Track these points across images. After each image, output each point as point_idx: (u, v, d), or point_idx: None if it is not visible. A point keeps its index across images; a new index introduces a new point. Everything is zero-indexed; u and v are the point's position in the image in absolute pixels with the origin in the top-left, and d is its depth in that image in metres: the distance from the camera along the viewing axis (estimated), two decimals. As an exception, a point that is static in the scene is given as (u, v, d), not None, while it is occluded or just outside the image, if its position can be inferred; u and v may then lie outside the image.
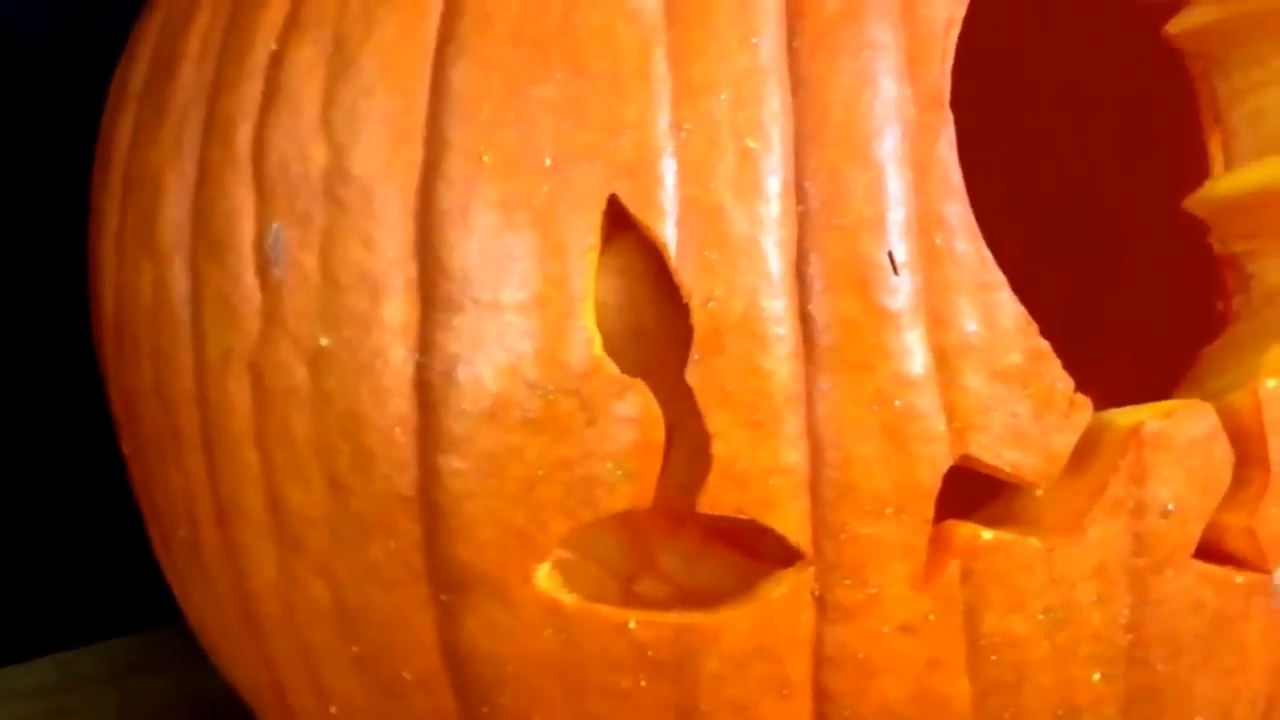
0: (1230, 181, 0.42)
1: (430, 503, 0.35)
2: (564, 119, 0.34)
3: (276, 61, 0.37)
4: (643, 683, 0.36)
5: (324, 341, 0.36)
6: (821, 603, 0.35)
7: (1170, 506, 0.36)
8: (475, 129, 0.35)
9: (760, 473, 0.34)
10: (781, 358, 0.34)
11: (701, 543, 0.38)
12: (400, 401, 0.35)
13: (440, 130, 0.35)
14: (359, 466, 0.36)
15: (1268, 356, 0.39)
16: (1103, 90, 0.56)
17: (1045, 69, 0.57)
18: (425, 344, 0.35)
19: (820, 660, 0.35)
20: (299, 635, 0.39)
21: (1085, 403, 0.35)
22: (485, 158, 0.34)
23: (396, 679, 0.38)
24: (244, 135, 0.37)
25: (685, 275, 0.34)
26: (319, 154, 0.36)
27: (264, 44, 0.38)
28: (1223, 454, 0.37)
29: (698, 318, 0.34)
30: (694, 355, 0.34)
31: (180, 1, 0.41)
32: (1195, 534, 0.37)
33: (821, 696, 0.36)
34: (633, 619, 0.35)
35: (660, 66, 0.34)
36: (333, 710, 0.40)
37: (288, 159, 0.36)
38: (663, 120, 0.34)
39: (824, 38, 0.35)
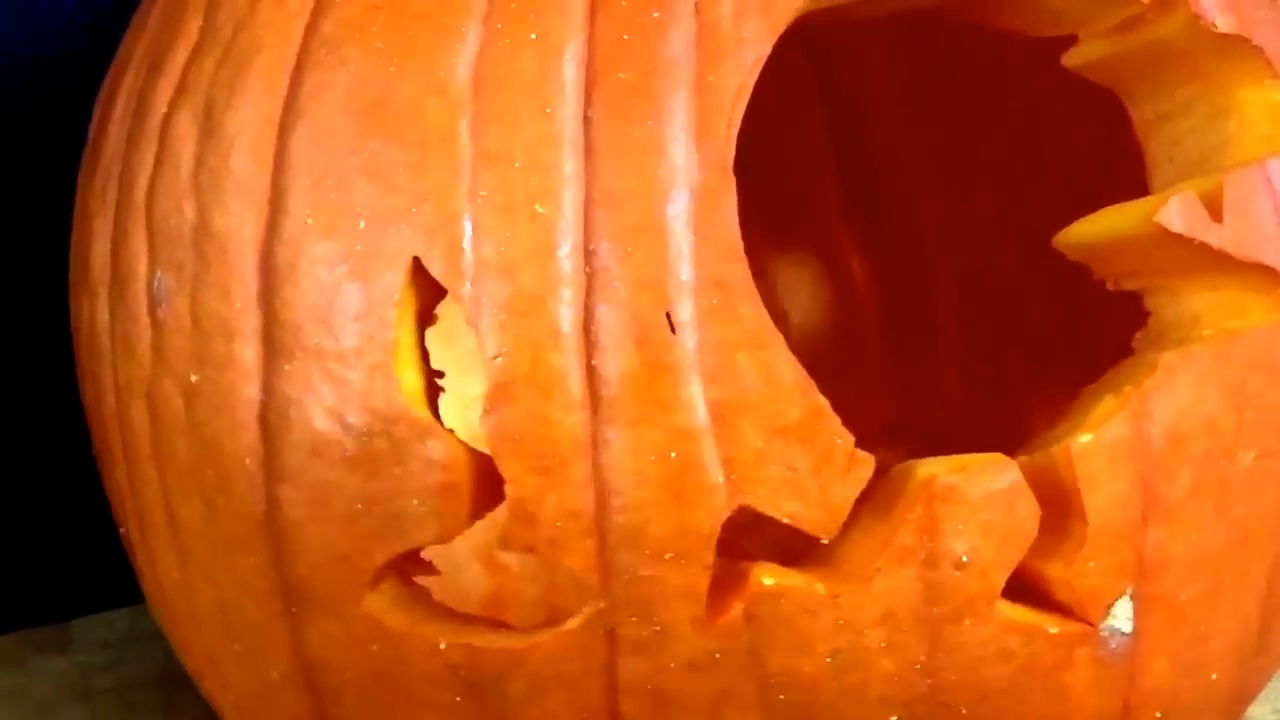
0: (1085, 228, 0.42)
1: (275, 526, 0.39)
2: (377, 184, 0.37)
3: (166, 123, 0.41)
4: (457, 698, 0.39)
5: (194, 378, 0.40)
6: (613, 636, 0.38)
7: (965, 558, 0.37)
8: (306, 192, 0.38)
9: (550, 515, 0.37)
10: (568, 409, 0.36)
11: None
12: (249, 435, 0.39)
13: (280, 192, 0.38)
14: (222, 489, 0.40)
15: (1096, 410, 0.39)
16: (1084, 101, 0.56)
17: (1033, 83, 0.57)
18: (267, 386, 0.39)
19: (616, 688, 0.38)
20: (201, 630, 0.44)
21: (867, 459, 0.37)
22: (309, 220, 0.38)
23: (268, 677, 0.42)
24: (141, 189, 0.42)
25: (479, 331, 0.36)
26: (190, 210, 0.40)
27: (159, 107, 0.42)
28: (1026, 509, 0.38)
29: (487, 371, 0.36)
30: (485, 406, 0.36)
31: (121, 64, 0.46)
32: (996, 585, 0.38)
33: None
34: (444, 640, 0.38)
35: (464, 137, 0.37)
36: (231, 698, 0.44)
37: (168, 213, 0.41)
38: (463, 187, 0.37)
39: (616, 107, 0.37)
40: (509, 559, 0.43)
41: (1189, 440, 0.39)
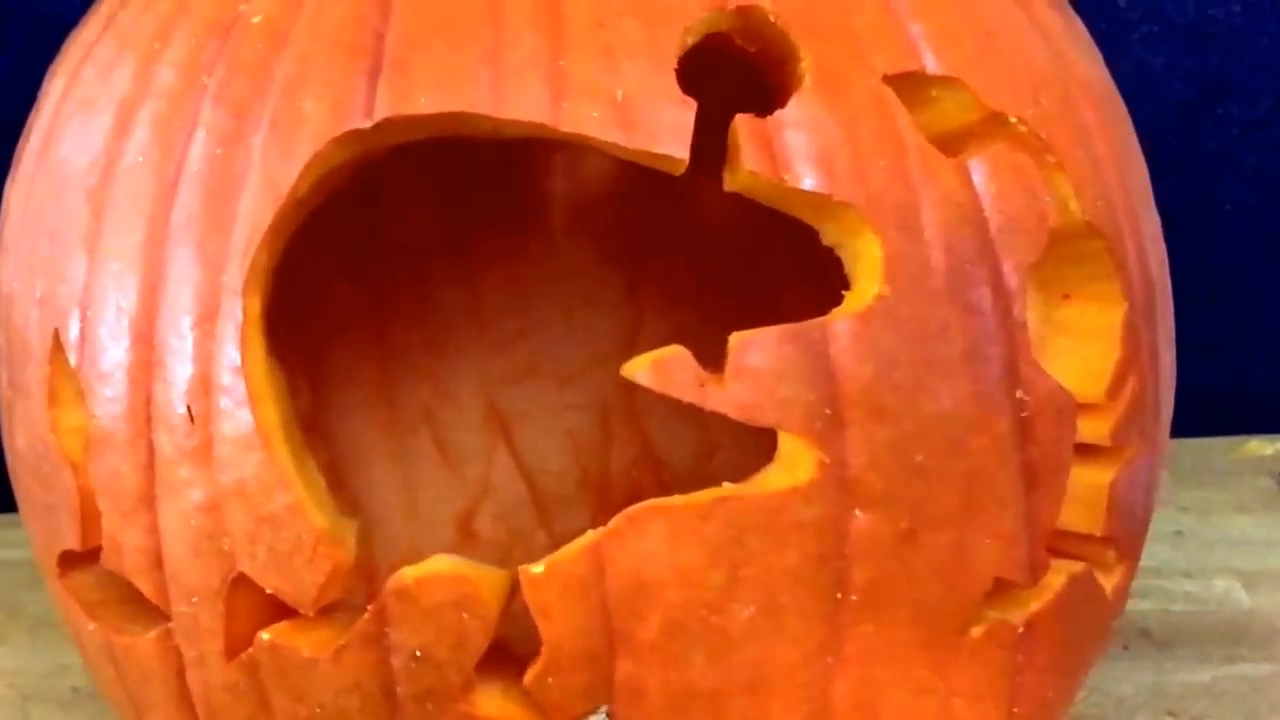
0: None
1: (22, 510, 0.51)
2: (44, 266, 0.47)
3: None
4: (112, 669, 0.49)
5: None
6: (178, 651, 0.46)
7: (418, 653, 0.43)
8: (19, 257, 0.48)
9: (130, 549, 0.46)
10: (135, 470, 0.45)
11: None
12: (6, 437, 0.51)
13: (10, 252, 0.49)
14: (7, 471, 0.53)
15: (570, 545, 0.42)
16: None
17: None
18: (5, 402, 0.50)
19: (187, 691, 0.47)
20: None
21: (330, 553, 0.43)
22: (15, 282, 0.48)
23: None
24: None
25: (85, 398, 0.46)
26: (-9, 253, 0.52)
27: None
28: (474, 623, 0.42)
29: (90, 427, 0.46)
30: (89, 454, 0.46)
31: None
32: (458, 680, 0.43)
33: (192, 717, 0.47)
34: (91, 625, 0.49)
35: (91, 237, 0.46)
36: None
37: (-8, 253, 0.53)
38: (84, 278, 0.46)
39: (184, 227, 0.44)
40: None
41: (658, 587, 0.41)
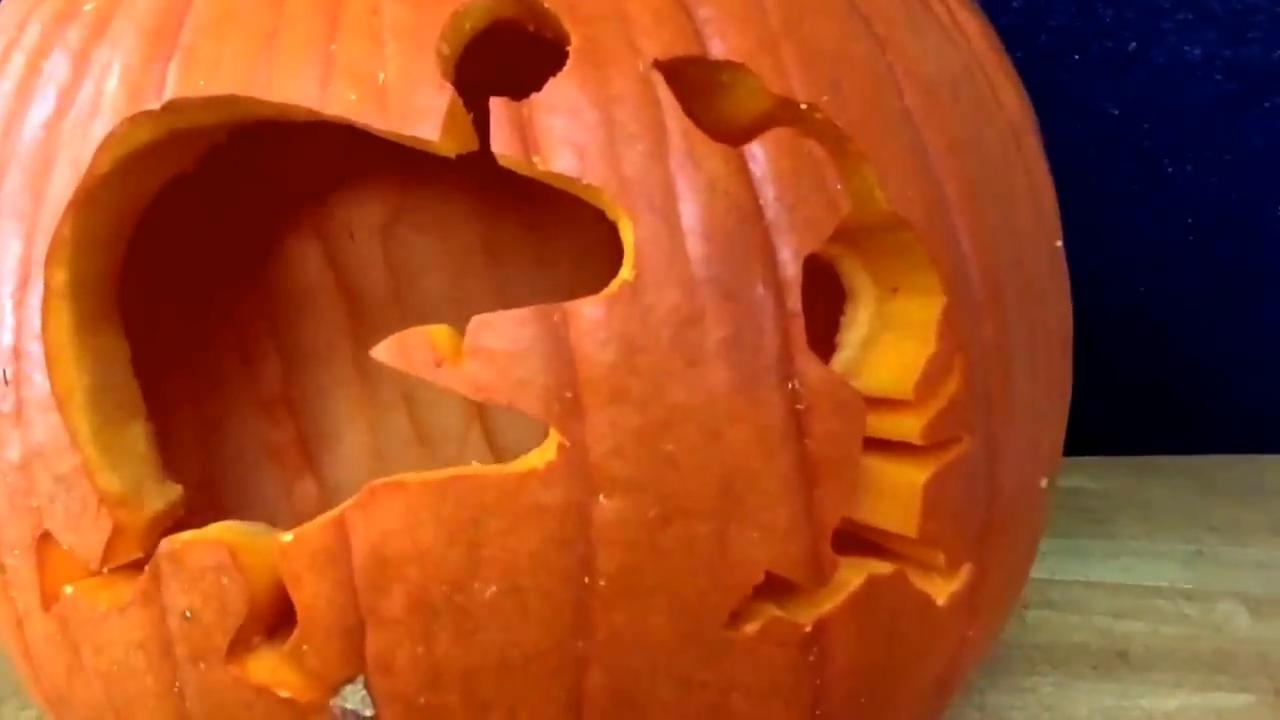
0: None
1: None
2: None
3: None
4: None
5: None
6: (14, 603, 0.49)
7: (188, 614, 0.44)
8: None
9: (-28, 505, 0.49)
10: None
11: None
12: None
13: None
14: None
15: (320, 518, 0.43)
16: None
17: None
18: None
19: (29, 642, 0.50)
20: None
21: (112, 514, 0.45)
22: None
23: None
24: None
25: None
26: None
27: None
28: (235, 586, 0.44)
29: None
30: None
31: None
32: (223, 643, 0.44)
33: (33, 666, 0.50)
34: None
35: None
36: None
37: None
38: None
39: (4, 203, 0.47)
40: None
41: (400, 563, 0.42)
